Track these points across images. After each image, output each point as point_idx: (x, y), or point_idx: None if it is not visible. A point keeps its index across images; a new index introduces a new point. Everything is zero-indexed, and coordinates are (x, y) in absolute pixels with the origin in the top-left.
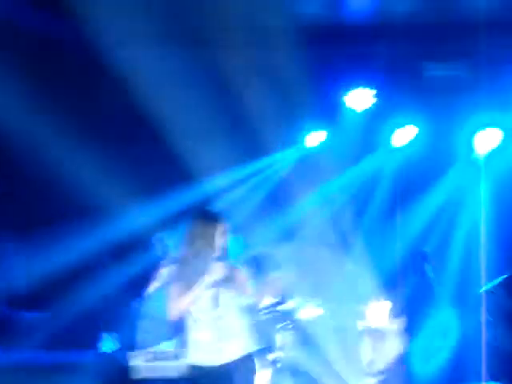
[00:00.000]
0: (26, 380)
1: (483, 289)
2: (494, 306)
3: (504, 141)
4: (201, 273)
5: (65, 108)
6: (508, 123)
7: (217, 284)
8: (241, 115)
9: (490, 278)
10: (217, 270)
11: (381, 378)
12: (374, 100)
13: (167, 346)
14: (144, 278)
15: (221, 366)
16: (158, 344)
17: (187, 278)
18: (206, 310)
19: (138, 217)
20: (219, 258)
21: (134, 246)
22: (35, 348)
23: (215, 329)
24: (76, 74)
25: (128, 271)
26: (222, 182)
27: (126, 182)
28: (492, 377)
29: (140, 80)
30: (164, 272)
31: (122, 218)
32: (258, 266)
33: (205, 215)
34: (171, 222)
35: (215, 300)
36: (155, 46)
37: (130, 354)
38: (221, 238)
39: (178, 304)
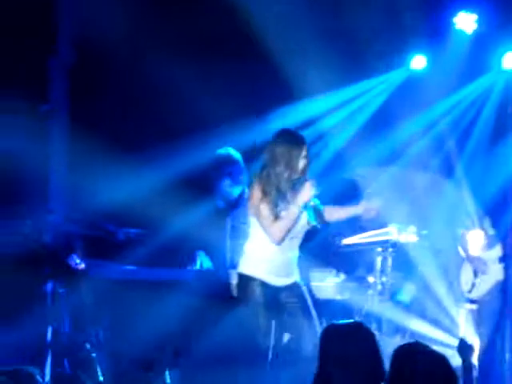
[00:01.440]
0: (129, 294)
1: None
2: None
3: None
4: (284, 195)
5: (173, 24)
6: None
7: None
8: (347, 36)
9: None
10: (307, 190)
11: (481, 303)
12: (482, 22)
13: None
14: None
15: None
16: None
17: (272, 199)
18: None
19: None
20: (301, 181)
21: None
22: (137, 264)
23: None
24: None
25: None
26: (326, 104)
27: (231, 99)
28: None
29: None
30: (251, 191)
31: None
32: (356, 188)
33: (289, 136)
34: None
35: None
36: None
37: (229, 271)
38: (303, 160)
39: (276, 225)
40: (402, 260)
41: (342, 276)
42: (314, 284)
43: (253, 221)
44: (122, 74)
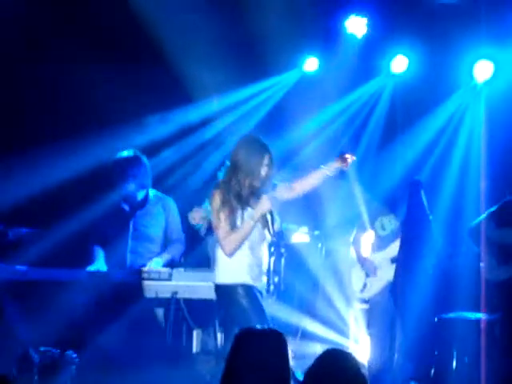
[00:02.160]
0: (20, 295)
1: (475, 222)
2: (484, 238)
3: (498, 71)
4: (245, 202)
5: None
6: (503, 57)
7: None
8: (241, 38)
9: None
10: (264, 203)
11: (371, 303)
12: (372, 26)
13: (156, 266)
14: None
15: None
16: (147, 263)
17: (231, 207)
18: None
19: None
20: (264, 190)
21: None
22: (30, 264)
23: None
24: None
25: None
26: (222, 105)
27: (127, 102)
28: (487, 309)
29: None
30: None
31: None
32: None
33: (251, 143)
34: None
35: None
36: None
37: (123, 272)
38: (265, 168)
39: (230, 237)
40: (295, 261)
41: None
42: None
43: None
44: (17, 74)
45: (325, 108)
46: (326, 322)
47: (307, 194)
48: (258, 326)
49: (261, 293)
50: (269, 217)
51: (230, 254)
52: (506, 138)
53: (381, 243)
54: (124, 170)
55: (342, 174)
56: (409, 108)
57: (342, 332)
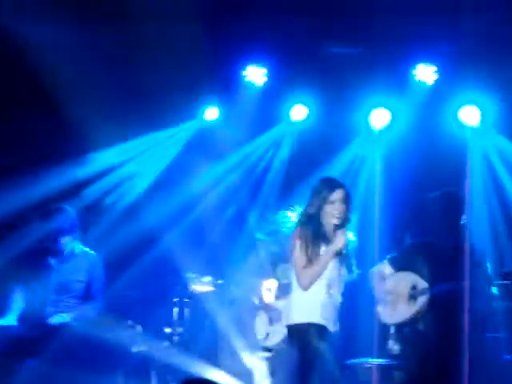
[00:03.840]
0: None
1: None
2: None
3: (393, 119)
4: (322, 238)
5: None
6: (397, 105)
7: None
8: (137, 87)
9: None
10: (339, 239)
11: (275, 351)
12: (271, 76)
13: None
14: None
15: None
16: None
17: (309, 242)
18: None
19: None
20: (340, 226)
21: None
22: None
23: None
24: None
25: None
26: (120, 155)
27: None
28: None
29: (35, 52)
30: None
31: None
32: None
33: (325, 182)
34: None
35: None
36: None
37: (20, 326)
38: (339, 205)
39: (307, 271)
40: (198, 310)
41: (139, 327)
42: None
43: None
44: None
45: (226, 157)
46: (230, 372)
47: (211, 244)
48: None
49: (334, 338)
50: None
51: (306, 288)
52: (403, 184)
53: (283, 291)
54: (52, 223)
55: (242, 224)
56: (309, 156)
57: (247, 381)
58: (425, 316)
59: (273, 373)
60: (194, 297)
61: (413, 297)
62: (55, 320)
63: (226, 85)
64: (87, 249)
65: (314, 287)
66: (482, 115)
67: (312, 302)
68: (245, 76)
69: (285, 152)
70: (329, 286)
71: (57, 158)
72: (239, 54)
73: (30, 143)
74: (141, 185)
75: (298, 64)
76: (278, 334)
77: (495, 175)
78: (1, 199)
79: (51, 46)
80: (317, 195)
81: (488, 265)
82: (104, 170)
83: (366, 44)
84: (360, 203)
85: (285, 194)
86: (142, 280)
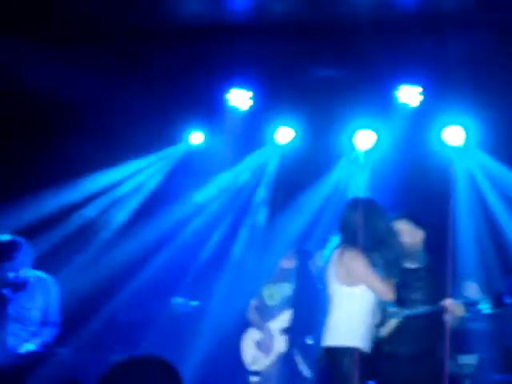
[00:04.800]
0: None
1: None
2: None
3: (378, 140)
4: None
5: None
6: (382, 127)
7: None
8: (122, 113)
9: None
10: None
11: (264, 376)
12: (256, 99)
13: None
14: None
15: None
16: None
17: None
18: None
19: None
20: None
21: None
22: None
23: None
24: None
25: None
26: (104, 182)
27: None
28: None
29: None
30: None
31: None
32: None
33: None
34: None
35: None
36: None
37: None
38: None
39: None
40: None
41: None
42: None
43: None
44: None
45: (212, 180)
46: None
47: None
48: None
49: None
50: None
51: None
52: (388, 205)
53: (270, 313)
54: (1, 255)
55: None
56: (295, 177)
57: None
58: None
59: None
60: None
61: None
62: (24, 349)
63: (210, 109)
64: (41, 273)
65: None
66: (466, 135)
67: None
68: (228, 100)
69: (271, 174)
70: (372, 312)
71: (41, 185)
72: (224, 78)
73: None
74: (127, 210)
75: (283, 87)
76: (266, 359)
77: (480, 192)
78: None
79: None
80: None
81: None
82: (90, 196)
83: (350, 66)
84: None
85: (272, 215)
86: (129, 305)
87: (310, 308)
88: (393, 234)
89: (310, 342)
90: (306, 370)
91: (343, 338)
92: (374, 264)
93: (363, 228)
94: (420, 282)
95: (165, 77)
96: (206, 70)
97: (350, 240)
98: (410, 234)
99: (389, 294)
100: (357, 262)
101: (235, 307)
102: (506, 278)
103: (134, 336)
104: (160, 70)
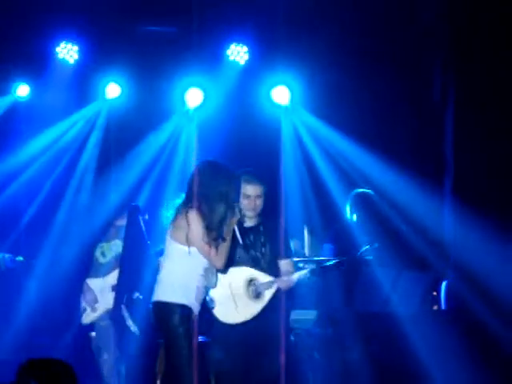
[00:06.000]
0: None
1: None
2: None
3: (206, 98)
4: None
5: None
6: (210, 85)
7: None
8: None
9: None
10: None
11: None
12: (84, 53)
13: None
14: None
15: None
16: None
17: None
18: None
19: None
20: None
21: None
22: None
23: None
24: None
25: None
26: None
27: None
28: None
29: None
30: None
31: None
32: None
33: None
34: None
35: None
36: None
37: None
38: None
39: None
40: None
41: None
42: None
43: None
44: None
45: (39, 135)
46: None
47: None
48: None
49: None
50: None
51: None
52: (217, 157)
53: (101, 270)
54: None
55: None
56: (125, 133)
57: None
58: None
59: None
60: None
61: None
62: None
63: (38, 61)
64: None
65: None
66: (292, 94)
67: None
68: (57, 53)
69: (100, 130)
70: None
71: None
72: (52, 30)
73: None
74: None
75: (111, 41)
76: (93, 313)
77: (305, 149)
78: None
79: None
80: None
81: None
82: None
83: (180, 23)
84: (176, 182)
85: (100, 172)
86: None
87: (138, 264)
88: (230, 198)
89: (137, 296)
90: (132, 326)
91: (174, 294)
92: (209, 228)
93: (203, 190)
94: (261, 239)
95: None
96: (35, 21)
97: (191, 201)
98: (253, 191)
99: (217, 262)
100: (194, 225)
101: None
102: (328, 230)
103: None
104: None
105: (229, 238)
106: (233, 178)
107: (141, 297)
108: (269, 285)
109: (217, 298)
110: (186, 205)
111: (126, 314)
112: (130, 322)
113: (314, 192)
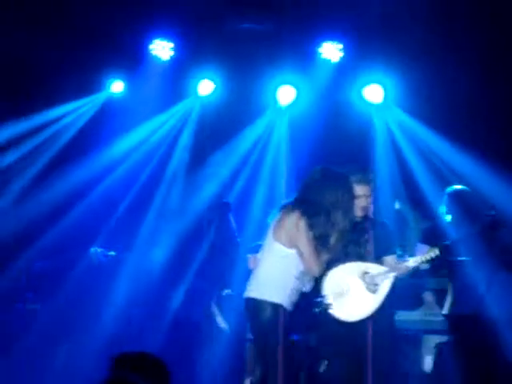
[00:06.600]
0: None
1: None
2: None
3: (299, 96)
4: None
5: None
6: (302, 83)
7: None
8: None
9: None
10: None
11: None
12: (178, 50)
13: None
14: None
15: None
16: None
17: None
18: None
19: None
20: None
21: None
22: None
23: None
24: None
25: None
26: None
27: None
28: None
29: None
30: None
31: None
32: None
33: None
34: None
35: None
36: None
37: None
38: None
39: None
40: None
41: None
42: None
43: None
44: None
45: (133, 130)
46: None
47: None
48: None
49: None
50: None
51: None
52: (308, 154)
53: None
54: None
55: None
56: (216, 130)
57: None
58: None
59: None
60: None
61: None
62: None
63: (132, 58)
64: None
65: None
66: (385, 93)
67: None
68: (151, 50)
69: (193, 125)
70: None
71: None
72: (146, 28)
73: None
74: (47, 155)
75: (205, 38)
76: None
77: (398, 148)
78: None
79: None
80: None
81: None
82: (7, 143)
83: (273, 21)
84: (268, 178)
85: (193, 168)
86: (49, 252)
87: (228, 261)
88: (341, 207)
89: (228, 293)
90: (223, 323)
91: (268, 292)
92: (317, 237)
93: (319, 198)
94: (364, 236)
95: (87, 26)
96: (129, 19)
97: (303, 206)
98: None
99: (313, 269)
100: (298, 227)
101: (153, 259)
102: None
103: (51, 285)
104: (82, 19)
105: (333, 249)
106: (350, 188)
107: (230, 293)
108: (385, 275)
109: (332, 296)
110: (297, 209)
111: (215, 311)
112: (219, 319)
113: (406, 191)
